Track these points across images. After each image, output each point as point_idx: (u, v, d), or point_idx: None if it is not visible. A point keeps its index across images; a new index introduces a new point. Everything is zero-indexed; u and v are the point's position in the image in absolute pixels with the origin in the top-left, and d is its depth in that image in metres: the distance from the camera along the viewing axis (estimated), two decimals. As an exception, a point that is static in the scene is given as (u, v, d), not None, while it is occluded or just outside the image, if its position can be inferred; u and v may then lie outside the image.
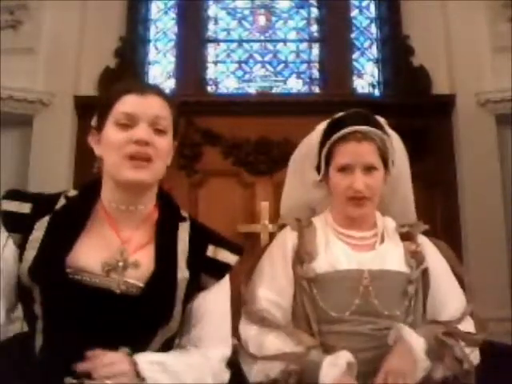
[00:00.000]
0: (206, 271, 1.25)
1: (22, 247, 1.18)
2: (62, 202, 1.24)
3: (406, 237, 1.55)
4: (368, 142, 1.47)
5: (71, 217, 1.21)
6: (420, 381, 1.39)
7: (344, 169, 1.48)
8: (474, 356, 1.46)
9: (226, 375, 1.28)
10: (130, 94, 1.21)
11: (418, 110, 3.76)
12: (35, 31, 3.84)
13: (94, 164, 1.27)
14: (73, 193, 1.28)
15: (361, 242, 1.52)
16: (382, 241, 1.53)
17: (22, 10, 3.83)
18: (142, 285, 1.18)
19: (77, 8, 3.91)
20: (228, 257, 1.29)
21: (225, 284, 1.31)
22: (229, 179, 3.84)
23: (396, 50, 4.11)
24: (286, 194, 1.70)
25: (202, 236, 1.29)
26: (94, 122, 1.27)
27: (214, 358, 1.25)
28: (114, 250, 1.20)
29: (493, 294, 3.37)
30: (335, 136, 1.50)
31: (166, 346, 1.24)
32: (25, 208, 1.20)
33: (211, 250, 1.27)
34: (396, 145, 1.59)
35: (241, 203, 3.77)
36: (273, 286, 1.50)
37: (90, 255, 1.18)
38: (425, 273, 1.52)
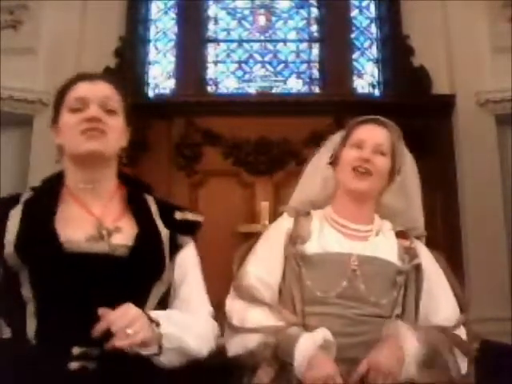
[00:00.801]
0: (180, 231, 1.34)
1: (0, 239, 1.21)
2: (27, 193, 1.31)
3: (400, 235, 1.57)
4: (386, 130, 1.56)
5: (42, 202, 1.27)
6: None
7: (357, 144, 1.55)
8: (462, 366, 1.46)
9: (216, 327, 1.36)
10: (81, 81, 1.33)
11: (418, 110, 3.76)
12: (35, 31, 3.84)
13: (57, 156, 1.34)
14: (36, 186, 1.35)
15: (355, 233, 1.54)
16: (377, 235, 1.55)
17: (22, 9, 3.83)
18: (130, 244, 1.23)
19: (77, 8, 3.92)
20: (196, 217, 1.40)
21: (193, 247, 1.39)
22: (229, 179, 3.84)
23: (396, 50, 4.11)
24: (297, 189, 1.72)
25: (166, 205, 1.40)
26: (51, 118, 1.36)
27: (205, 315, 1.34)
28: (92, 225, 1.25)
29: (493, 294, 3.37)
30: (357, 119, 1.60)
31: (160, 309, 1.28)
32: None
33: (179, 214, 1.37)
34: (407, 160, 1.64)
35: (241, 203, 3.77)
36: (263, 264, 1.53)
37: (72, 231, 1.22)
38: (418, 269, 1.52)
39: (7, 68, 3.49)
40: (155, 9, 4.37)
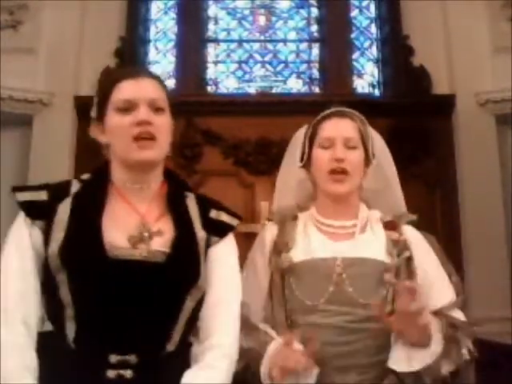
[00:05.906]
0: (211, 232, 1.32)
1: (46, 232, 1.21)
2: (76, 185, 1.29)
3: (389, 226, 1.54)
4: (350, 119, 1.55)
5: (91, 198, 1.26)
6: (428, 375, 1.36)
7: (326, 143, 1.52)
8: (471, 347, 1.43)
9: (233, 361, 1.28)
10: (125, 80, 1.28)
11: (418, 110, 3.75)
12: (35, 31, 3.85)
13: (102, 151, 1.33)
14: (85, 176, 1.33)
15: (340, 230, 1.51)
16: (364, 231, 1.52)
17: (22, 9, 3.83)
18: (167, 250, 1.23)
19: (77, 8, 3.92)
20: (230, 220, 1.38)
21: (230, 241, 1.37)
22: (229, 179, 3.84)
23: (396, 50, 4.11)
24: (275, 197, 1.70)
25: (205, 202, 1.40)
26: (93, 114, 1.33)
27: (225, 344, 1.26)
28: (136, 224, 1.25)
29: (493, 294, 3.38)
30: (319, 116, 1.58)
31: (193, 319, 1.26)
32: (41, 195, 1.24)
33: (214, 213, 1.36)
34: (377, 142, 1.61)
35: (241, 203, 3.76)
36: (252, 290, 1.48)
37: (114, 232, 1.22)
38: (409, 262, 1.49)
39: (7, 68, 3.50)
40: (155, 9, 4.38)
